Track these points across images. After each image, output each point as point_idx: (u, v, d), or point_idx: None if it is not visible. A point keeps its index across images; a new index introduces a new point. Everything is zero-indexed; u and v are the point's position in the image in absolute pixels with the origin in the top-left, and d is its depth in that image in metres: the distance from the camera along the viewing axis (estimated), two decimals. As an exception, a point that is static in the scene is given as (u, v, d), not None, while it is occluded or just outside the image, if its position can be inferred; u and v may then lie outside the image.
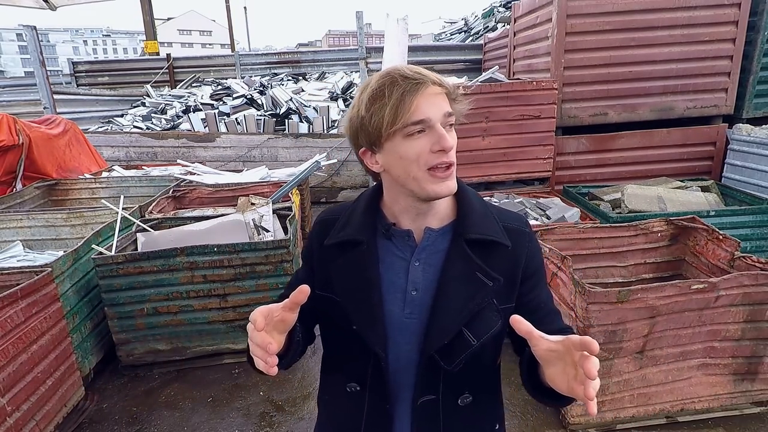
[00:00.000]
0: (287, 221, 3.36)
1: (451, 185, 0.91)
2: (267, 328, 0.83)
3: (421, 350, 0.96)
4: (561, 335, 0.79)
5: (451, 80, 5.15)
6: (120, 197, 3.65)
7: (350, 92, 8.61)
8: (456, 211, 1.00)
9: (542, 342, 0.78)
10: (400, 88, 0.87)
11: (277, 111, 7.70)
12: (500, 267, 0.96)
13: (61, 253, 3.01)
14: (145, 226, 3.35)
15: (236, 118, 7.46)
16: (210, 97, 8.63)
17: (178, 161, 5.78)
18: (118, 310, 2.93)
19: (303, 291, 0.81)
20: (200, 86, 9.75)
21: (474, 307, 0.93)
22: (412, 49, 7.98)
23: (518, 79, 5.10)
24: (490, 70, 4.68)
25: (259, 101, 8.13)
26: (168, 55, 10.40)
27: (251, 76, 9.69)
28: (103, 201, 3.76)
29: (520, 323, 0.77)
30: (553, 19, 4.38)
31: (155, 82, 9.93)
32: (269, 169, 5.23)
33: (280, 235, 3.43)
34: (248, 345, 0.86)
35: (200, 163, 5.81)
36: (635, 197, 3.81)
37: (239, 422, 2.65)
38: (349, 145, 1.01)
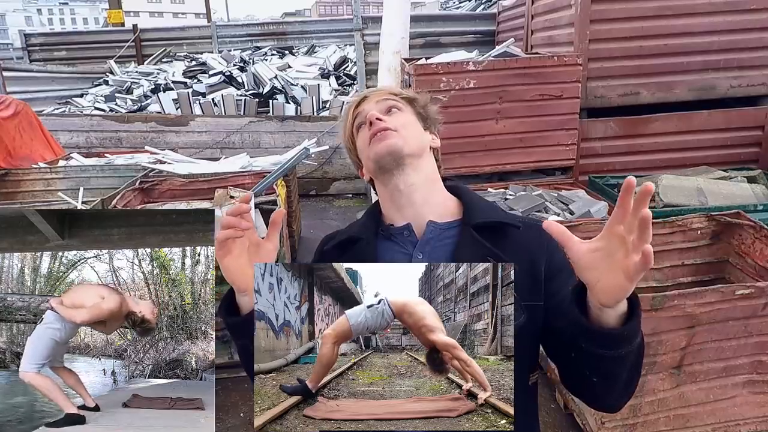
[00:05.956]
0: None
1: (389, 143, 1.06)
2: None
3: None
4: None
5: (458, 55, 5.13)
6: (79, 189, 3.63)
7: (344, 68, 8.58)
8: (460, 208, 1.12)
9: (581, 245, 0.81)
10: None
11: (260, 90, 7.68)
12: (514, 252, 1.02)
13: (10, 253, 2.98)
14: (107, 222, 3.33)
15: (213, 99, 7.43)
16: (183, 74, 8.59)
17: (146, 148, 5.74)
18: (77, 320, 2.91)
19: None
20: (171, 62, 9.72)
21: None
22: (414, 20, 7.93)
23: (537, 53, 5.07)
24: (505, 44, 4.66)
25: (239, 79, 8.09)
26: (134, 26, 10.35)
27: (230, 51, 9.65)
28: (59, 194, 3.74)
29: (550, 225, 0.83)
30: (578, -16, 4.35)
31: (120, 57, 9.88)
32: (251, 157, 5.21)
33: (263, 232, 3.41)
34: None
35: (171, 150, 5.79)
36: (671, 189, 3.80)
37: (216, 448, 2.64)
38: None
